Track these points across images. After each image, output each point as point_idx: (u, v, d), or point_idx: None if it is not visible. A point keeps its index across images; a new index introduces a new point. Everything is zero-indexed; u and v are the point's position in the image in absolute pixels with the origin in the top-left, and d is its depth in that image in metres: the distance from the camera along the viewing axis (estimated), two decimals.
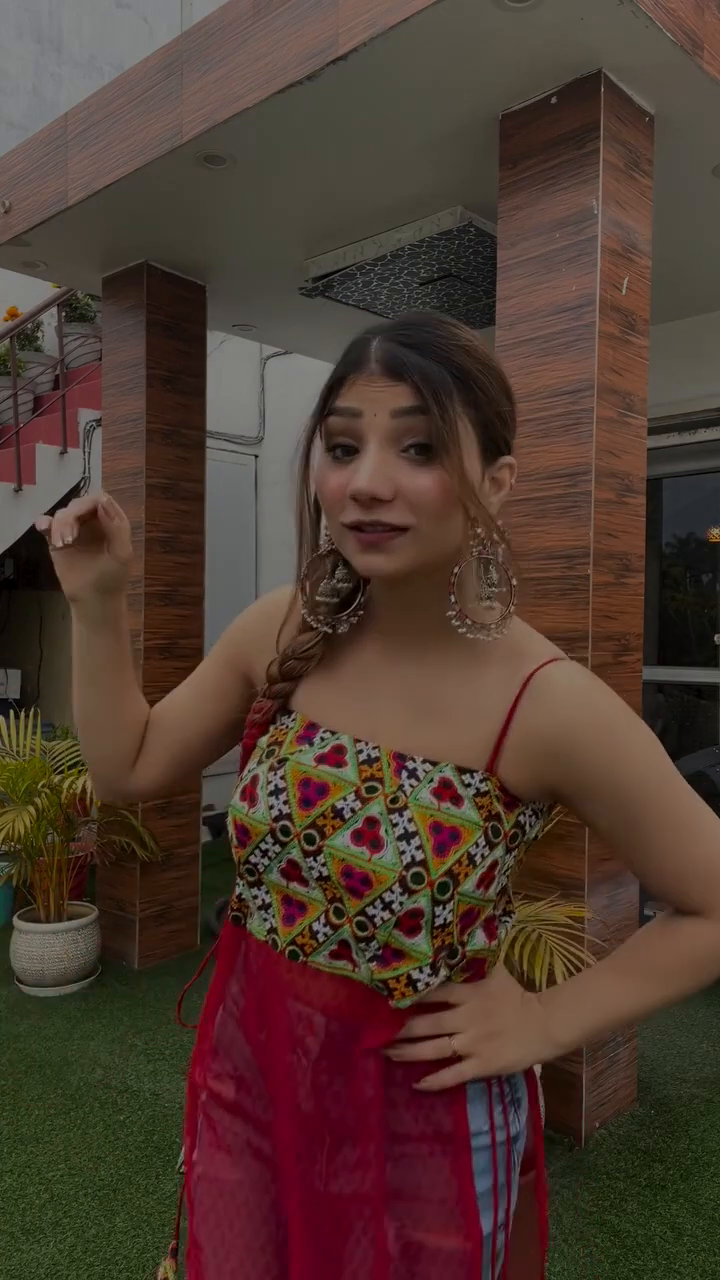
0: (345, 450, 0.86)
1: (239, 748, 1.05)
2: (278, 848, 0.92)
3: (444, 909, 0.86)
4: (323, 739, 0.94)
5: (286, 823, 0.91)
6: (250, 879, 0.96)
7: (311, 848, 0.89)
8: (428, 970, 0.88)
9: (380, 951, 0.87)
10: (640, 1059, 3.08)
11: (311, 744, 0.94)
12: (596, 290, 2.54)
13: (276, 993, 0.94)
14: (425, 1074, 0.91)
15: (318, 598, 0.95)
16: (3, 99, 7.24)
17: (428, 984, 0.89)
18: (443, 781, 0.88)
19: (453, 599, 0.87)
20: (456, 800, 0.88)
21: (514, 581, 0.89)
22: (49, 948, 3.60)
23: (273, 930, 0.95)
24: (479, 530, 0.85)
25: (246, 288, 4.21)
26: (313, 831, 0.89)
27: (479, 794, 0.88)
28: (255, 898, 0.97)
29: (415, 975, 0.88)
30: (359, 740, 0.93)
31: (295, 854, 0.90)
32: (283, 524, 6.28)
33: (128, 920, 3.93)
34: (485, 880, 0.88)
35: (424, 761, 0.90)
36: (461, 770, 0.89)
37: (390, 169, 3.10)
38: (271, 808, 0.92)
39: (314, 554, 0.95)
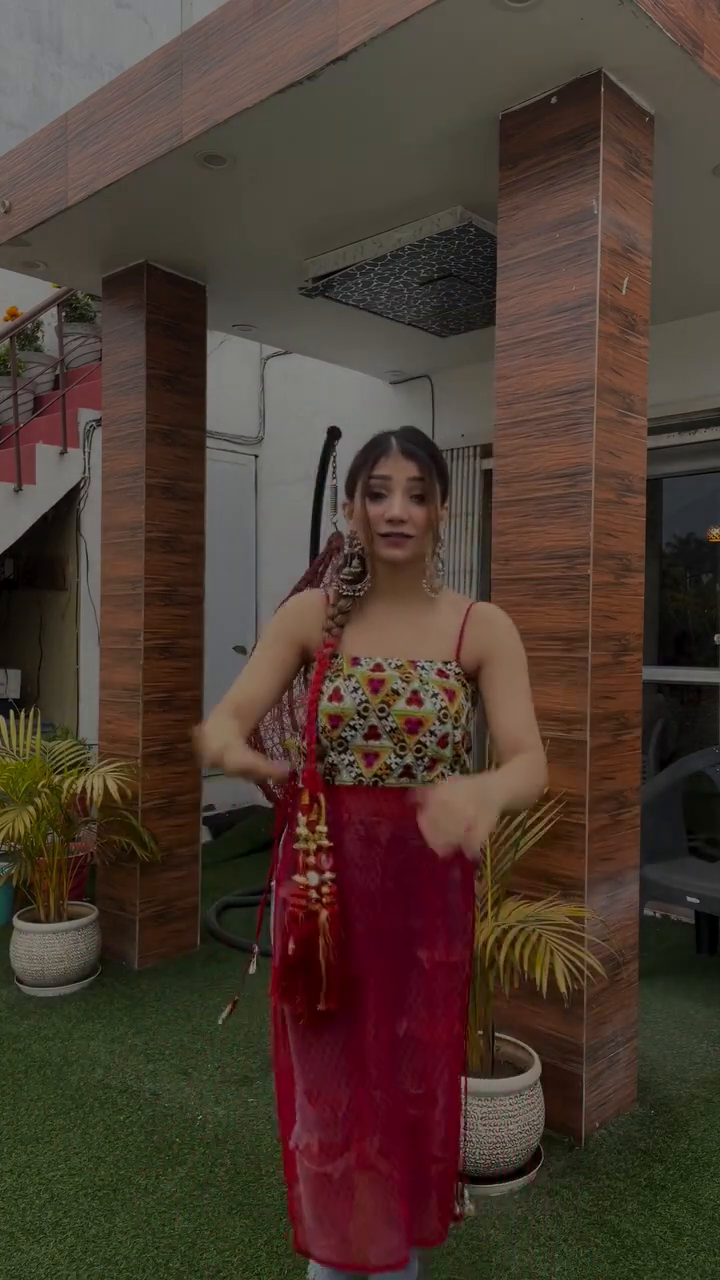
0: (377, 496, 1.67)
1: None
2: (360, 720, 1.65)
3: (455, 732, 1.66)
4: (366, 660, 1.69)
5: (366, 704, 1.65)
6: (340, 748, 1.67)
7: (383, 714, 1.64)
8: (448, 771, 1.67)
9: (428, 762, 1.65)
10: (640, 1059, 3.08)
11: (360, 665, 1.68)
12: (596, 290, 2.54)
13: (360, 814, 1.66)
14: (446, 854, 1.40)
15: (344, 577, 1.75)
16: (3, 99, 7.24)
17: (450, 775, 1.66)
18: (438, 670, 1.68)
19: (423, 577, 1.74)
20: (446, 676, 1.68)
21: (441, 566, 1.76)
22: (49, 948, 3.60)
23: (359, 775, 1.66)
24: (439, 539, 1.73)
25: (246, 288, 4.22)
26: (383, 705, 1.64)
27: (455, 674, 1.69)
28: (343, 759, 1.67)
29: (444, 772, 1.67)
30: (387, 657, 1.69)
31: (373, 719, 1.64)
32: (282, 524, 6.28)
33: (128, 920, 3.93)
34: (467, 719, 1.70)
35: (425, 660, 1.69)
36: (445, 662, 1.70)
37: (390, 169, 3.10)
38: (355, 699, 1.65)
39: (344, 557, 1.78)
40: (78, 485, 5.32)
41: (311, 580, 4.56)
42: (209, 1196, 2.39)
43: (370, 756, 1.65)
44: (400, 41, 2.41)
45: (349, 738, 1.64)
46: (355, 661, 1.67)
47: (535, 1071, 2.50)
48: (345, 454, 5.32)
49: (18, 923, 3.69)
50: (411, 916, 1.66)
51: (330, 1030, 1.66)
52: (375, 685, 1.64)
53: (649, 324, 2.76)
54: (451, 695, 1.65)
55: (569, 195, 2.59)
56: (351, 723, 1.64)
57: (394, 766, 1.64)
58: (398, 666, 1.66)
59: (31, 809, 3.56)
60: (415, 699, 1.64)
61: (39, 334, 6.67)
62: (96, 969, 3.81)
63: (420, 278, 3.96)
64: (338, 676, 1.66)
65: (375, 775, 1.65)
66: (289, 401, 6.28)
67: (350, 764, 1.66)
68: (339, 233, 3.63)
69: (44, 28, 7.52)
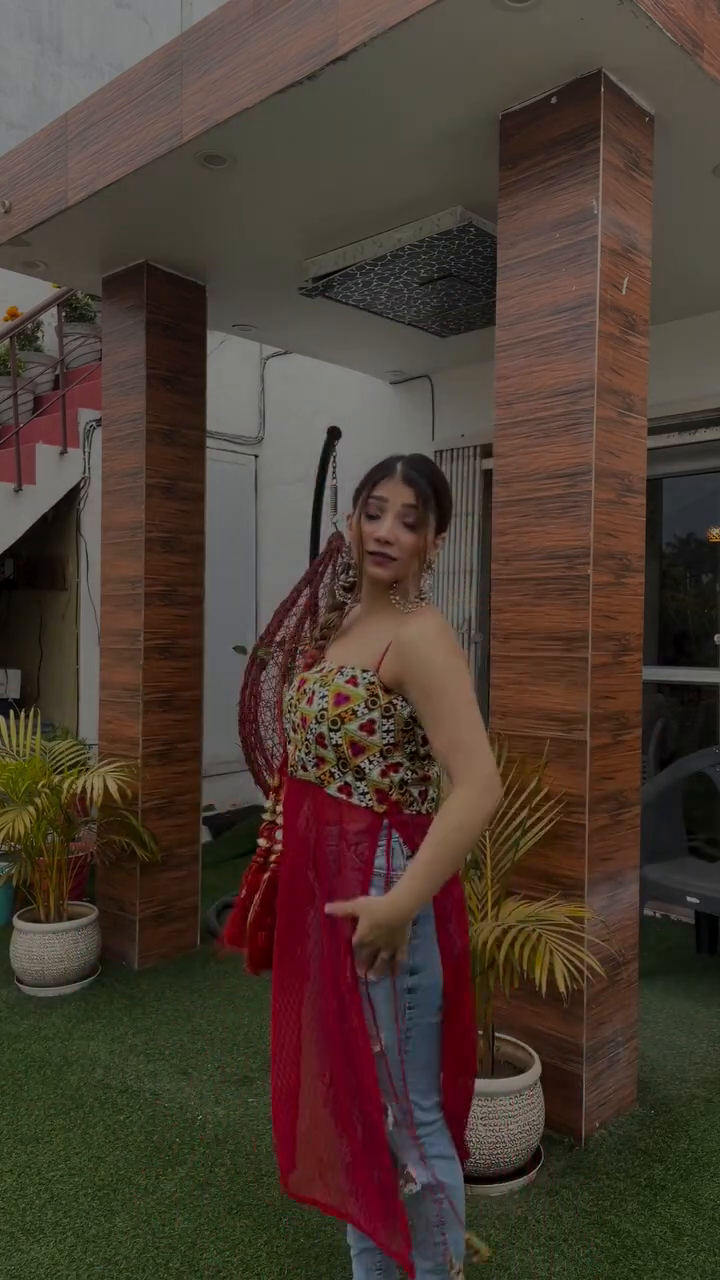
0: (373, 516, 1.75)
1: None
2: (289, 714, 1.82)
3: (335, 735, 1.72)
4: (317, 666, 1.83)
5: (292, 700, 1.82)
6: (287, 739, 1.83)
7: (292, 710, 1.81)
8: (338, 772, 1.73)
9: (315, 759, 1.75)
10: (640, 1059, 3.08)
11: (315, 669, 1.83)
12: (596, 290, 2.54)
13: (287, 798, 1.84)
14: (356, 841, 1.72)
15: (339, 589, 1.90)
16: (3, 99, 7.23)
17: (345, 784, 1.73)
18: (349, 677, 1.74)
19: (394, 594, 1.79)
20: (355, 684, 1.72)
21: (427, 593, 1.81)
22: (49, 948, 3.60)
23: (290, 763, 1.83)
24: (428, 564, 1.79)
25: (246, 288, 4.21)
26: (293, 701, 1.81)
27: (366, 682, 1.72)
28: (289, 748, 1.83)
29: (333, 772, 1.74)
30: (329, 663, 1.81)
31: (290, 714, 1.81)
32: (282, 524, 6.28)
33: (128, 920, 3.92)
34: (366, 728, 1.71)
35: (348, 666, 1.76)
36: (362, 670, 1.74)
37: (390, 169, 3.10)
38: (288, 695, 1.84)
39: (344, 565, 1.92)
40: (78, 485, 5.32)
41: (311, 580, 4.56)
42: (209, 1196, 2.39)
43: (293, 745, 1.83)
44: (400, 41, 2.41)
45: (287, 729, 1.85)
46: (318, 666, 1.84)
47: (535, 1071, 2.50)
48: (345, 455, 5.33)
49: (18, 923, 3.69)
50: (321, 896, 1.79)
51: (275, 982, 1.94)
52: (300, 685, 1.81)
53: (649, 324, 2.76)
54: (342, 699, 1.70)
55: (569, 195, 2.59)
56: (285, 716, 1.86)
57: (298, 760, 1.80)
58: (327, 671, 1.78)
59: (31, 809, 3.56)
60: (310, 699, 1.76)
61: (39, 334, 6.66)
62: (96, 969, 3.81)
63: (420, 278, 3.96)
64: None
65: (292, 765, 1.83)
66: (289, 401, 6.28)
67: (292, 753, 1.85)
68: (339, 233, 3.63)
69: (44, 28, 7.52)
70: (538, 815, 2.61)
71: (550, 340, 2.64)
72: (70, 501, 5.36)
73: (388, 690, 1.71)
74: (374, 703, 1.69)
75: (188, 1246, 2.20)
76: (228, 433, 6.19)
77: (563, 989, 2.24)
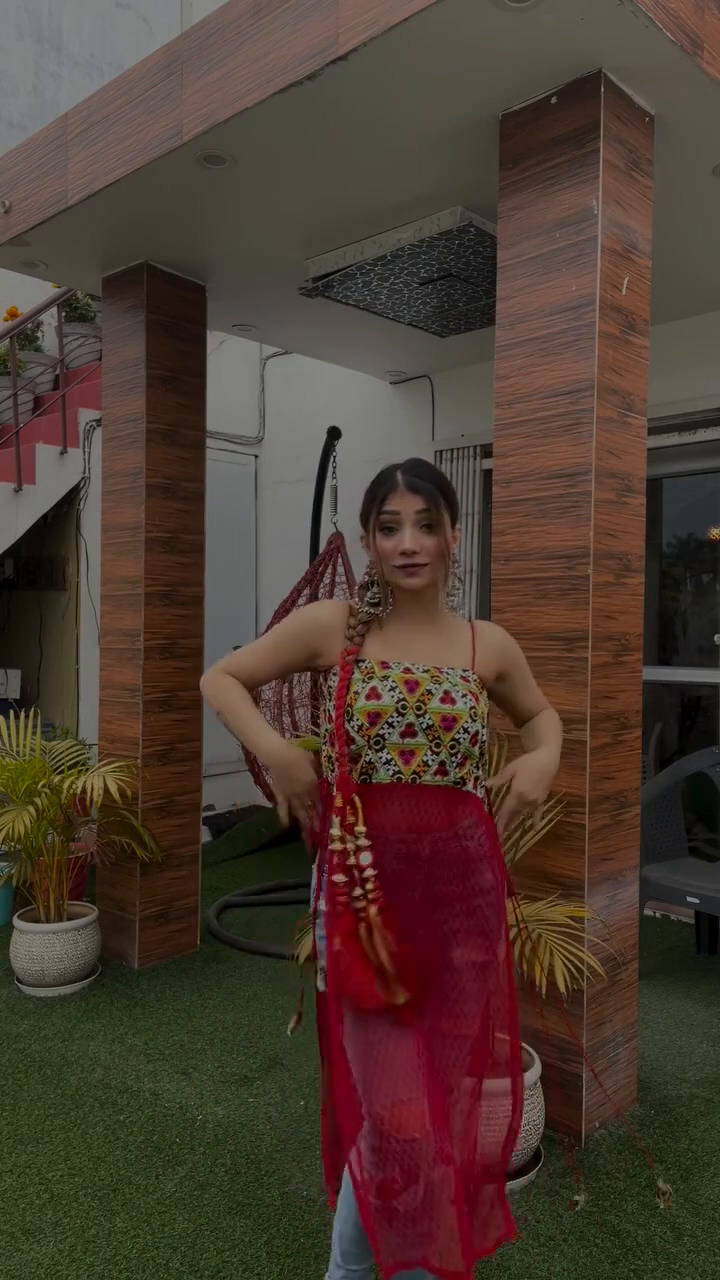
0: (389, 529, 1.76)
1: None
2: (399, 718, 1.71)
3: (483, 730, 1.77)
4: (395, 665, 1.77)
5: (404, 701, 1.72)
6: (377, 746, 1.72)
7: (420, 711, 1.72)
8: (475, 767, 1.77)
9: (460, 759, 1.74)
10: (640, 1059, 3.08)
11: (391, 669, 1.76)
12: (596, 290, 2.54)
13: (396, 811, 1.71)
14: (487, 855, 1.75)
15: (366, 603, 1.84)
16: (3, 99, 7.23)
17: (477, 776, 1.78)
18: (461, 675, 1.78)
19: (442, 596, 1.86)
20: (468, 681, 1.78)
21: (458, 585, 1.92)
22: (49, 948, 3.60)
23: (398, 772, 1.72)
24: (453, 563, 1.84)
25: (246, 288, 4.21)
26: (419, 702, 1.73)
27: (474, 680, 1.79)
28: (380, 758, 1.72)
29: (473, 771, 1.77)
30: (414, 664, 1.77)
31: (410, 717, 1.72)
32: (282, 524, 6.28)
33: (128, 920, 3.92)
34: (484, 720, 1.80)
35: (449, 667, 1.79)
36: (464, 670, 1.80)
37: (390, 169, 3.10)
38: (393, 697, 1.72)
39: (361, 585, 1.89)
40: (78, 485, 5.32)
41: (311, 580, 4.56)
42: (209, 1196, 2.39)
43: (407, 754, 1.72)
44: (400, 41, 2.41)
45: (386, 735, 1.71)
46: (385, 665, 1.76)
47: (535, 1072, 2.50)
48: (345, 455, 5.32)
49: (18, 923, 3.69)
50: (447, 916, 1.71)
51: (386, 1035, 1.64)
52: (411, 685, 1.74)
53: (649, 324, 2.76)
54: (476, 698, 1.77)
55: (569, 195, 2.59)
56: (390, 720, 1.71)
57: (430, 763, 1.72)
58: (425, 670, 1.76)
59: (31, 809, 3.55)
60: (448, 698, 1.73)
61: (39, 334, 6.66)
62: (96, 969, 3.81)
63: (420, 278, 3.96)
64: (371, 678, 1.74)
65: (414, 772, 1.72)
66: (289, 402, 6.28)
67: (388, 762, 1.72)
68: (339, 233, 3.63)
69: (44, 28, 7.52)
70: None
71: (550, 340, 2.64)
72: (70, 501, 5.36)
73: (482, 683, 1.84)
74: (484, 698, 1.82)
75: (188, 1246, 2.20)
76: (228, 433, 6.19)
77: (563, 989, 2.24)
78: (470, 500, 5.24)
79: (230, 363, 6.21)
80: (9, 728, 3.95)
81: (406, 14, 2.31)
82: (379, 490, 1.76)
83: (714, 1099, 2.87)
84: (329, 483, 4.83)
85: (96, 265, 3.95)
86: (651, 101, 2.66)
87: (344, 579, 4.65)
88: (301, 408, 6.17)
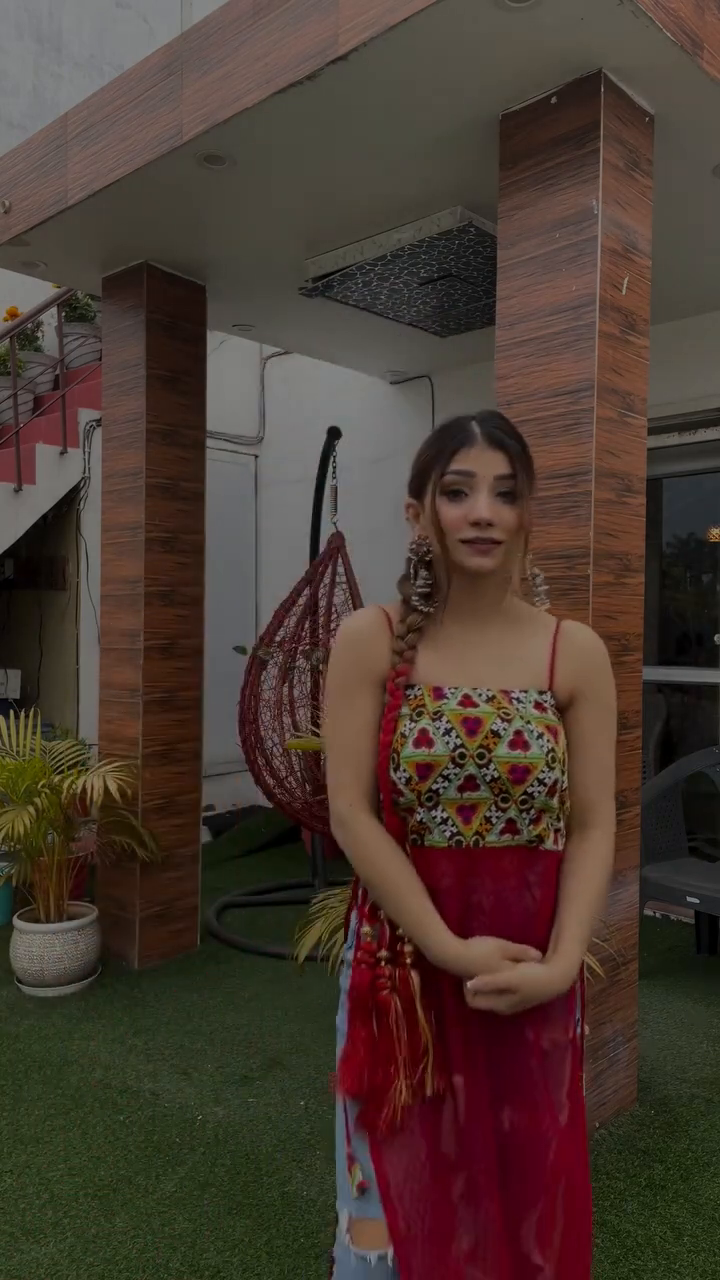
0: (458, 493, 1.37)
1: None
2: (456, 770, 1.34)
3: (564, 778, 1.40)
4: (451, 693, 1.38)
5: (463, 750, 1.34)
6: (430, 804, 1.36)
7: (482, 761, 1.34)
8: (555, 819, 1.40)
9: (534, 815, 1.37)
10: (640, 1059, 3.08)
11: (446, 698, 1.38)
12: (596, 290, 2.54)
13: (457, 880, 1.36)
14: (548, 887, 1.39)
15: (415, 593, 1.43)
16: (3, 99, 7.23)
17: (558, 829, 1.41)
18: (535, 703, 1.39)
19: (514, 586, 1.44)
20: (544, 710, 1.39)
21: (539, 576, 1.49)
22: (49, 948, 3.60)
23: (457, 834, 1.36)
24: (530, 544, 1.44)
25: (246, 288, 4.21)
26: (481, 749, 1.34)
27: (551, 706, 1.41)
28: (433, 817, 1.36)
29: (553, 824, 1.40)
30: (475, 688, 1.39)
31: (471, 769, 1.34)
32: (282, 524, 6.28)
33: (128, 920, 3.92)
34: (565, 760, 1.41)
35: (519, 690, 1.40)
36: (540, 692, 1.41)
37: (390, 169, 3.10)
38: (447, 743, 1.34)
39: (410, 568, 1.46)
40: (78, 485, 5.32)
41: (311, 580, 4.56)
42: (209, 1196, 2.39)
43: (466, 811, 1.35)
44: (400, 41, 2.41)
45: (441, 790, 1.34)
46: (439, 694, 1.38)
47: None
48: (345, 455, 5.31)
49: (18, 923, 3.69)
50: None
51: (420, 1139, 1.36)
52: (471, 726, 1.35)
53: (649, 324, 2.76)
54: (555, 733, 1.38)
55: (569, 195, 2.59)
56: (445, 772, 1.34)
57: (495, 821, 1.36)
58: (490, 699, 1.38)
59: (31, 809, 3.55)
60: (519, 741, 1.35)
61: (39, 334, 6.66)
62: (96, 969, 3.81)
63: (420, 278, 3.96)
64: (422, 715, 1.36)
65: (476, 834, 1.35)
66: (289, 402, 6.28)
67: (444, 821, 1.36)
68: (339, 233, 3.63)
69: (44, 28, 7.52)
70: None
71: (550, 340, 2.64)
72: (70, 501, 5.36)
73: (561, 709, 1.43)
74: (563, 729, 1.42)
75: (188, 1246, 2.20)
76: (228, 433, 6.19)
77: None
78: None
79: (230, 363, 6.21)
80: (9, 728, 3.95)
81: (406, 14, 2.31)
82: (447, 442, 1.38)
83: (714, 1099, 2.87)
84: (329, 483, 4.82)
85: (96, 265, 3.95)
86: (651, 101, 2.66)
87: (344, 579, 4.64)
88: (301, 408, 6.17)
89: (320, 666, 4.52)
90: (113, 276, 4.02)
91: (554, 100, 2.61)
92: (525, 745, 1.35)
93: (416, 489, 1.43)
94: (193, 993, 3.66)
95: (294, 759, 4.50)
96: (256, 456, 6.46)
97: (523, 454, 1.39)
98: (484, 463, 1.36)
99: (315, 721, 4.43)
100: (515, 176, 2.70)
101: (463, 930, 1.35)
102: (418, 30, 2.36)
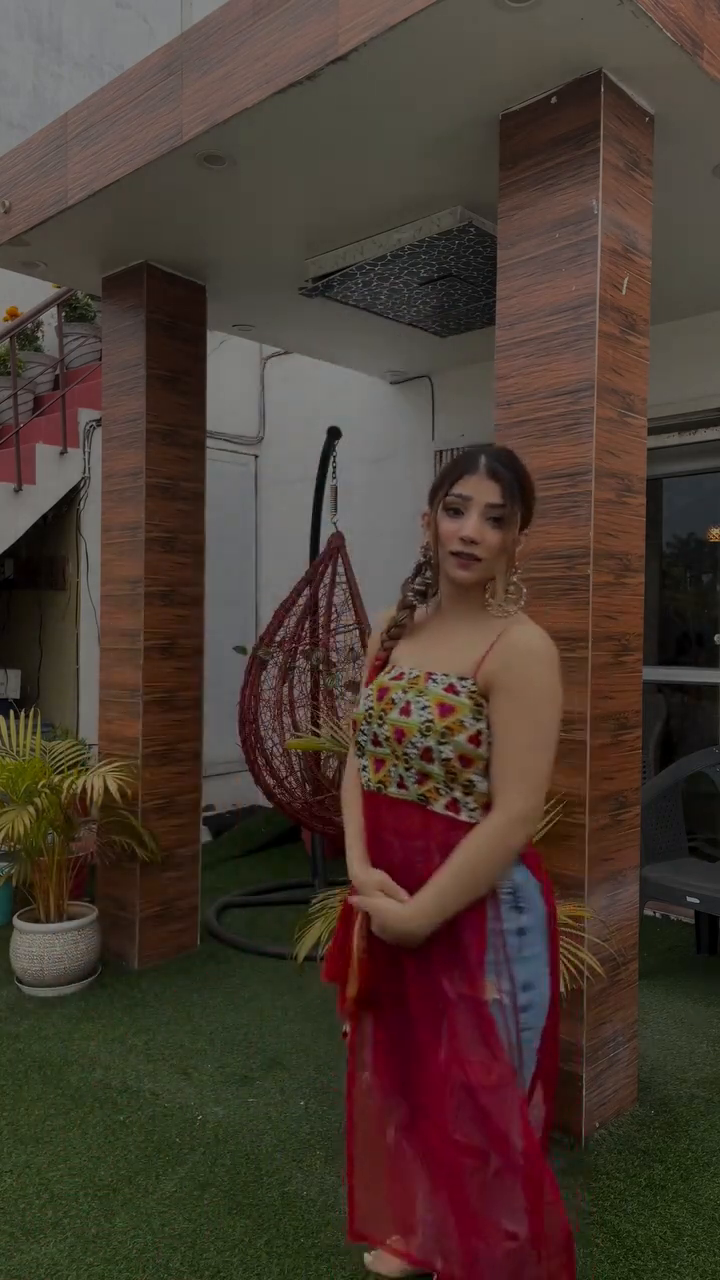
0: (456, 512, 1.67)
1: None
2: (367, 726, 1.73)
3: (445, 748, 1.62)
4: (396, 669, 1.75)
5: (370, 710, 1.72)
6: (359, 753, 1.77)
7: (380, 722, 1.70)
8: (445, 788, 1.64)
9: (417, 776, 1.66)
10: (640, 1059, 3.08)
11: (389, 673, 1.75)
12: (596, 290, 2.54)
13: (372, 818, 1.74)
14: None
15: (411, 591, 1.79)
16: (3, 99, 7.23)
17: (453, 799, 1.64)
18: (448, 685, 1.65)
19: (488, 595, 1.71)
20: (455, 692, 1.64)
21: (524, 590, 1.74)
22: (49, 948, 3.60)
23: (370, 779, 1.74)
24: (514, 563, 1.71)
25: (246, 288, 4.21)
26: (381, 712, 1.70)
27: (468, 691, 1.64)
28: (362, 764, 1.76)
29: (438, 788, 1.64)
30: (411, 669, 1.72)
31: (375, 727, 1.71)
32: (282, 524, 6.28)
33: (128, 920, 3.92)
34: (474, 740, 1.63)
35: (441, 673, 1.68)
36: (461, 678, 1.66)
37: (390, 169, 3.10)
38: (366, 705, 1.74)
39: (417, 569, 1.81)
40: (78, 485, 5.32)
41: (311, 580, 4.56)
42: (209, 1196, 2.39)
43: (378, 763, 1.72)
44: (400, 41, 2.41)
45: (363, 743, 1.74)
46: (391, 670, 1.76)
47: None
48: (345, 455, 5.31)
49: (18, 923, 3.69)
50: (427, 941, 1.68)
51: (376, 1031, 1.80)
52: (381, 693, 1.71)
53: (649, 324, 2.76)
54: (447, 709, 1.63)
55: (569, 195, 2.59)
56: (362, 728, 1.74)
57: (393, 774, 1.70)
58: (413, 678, 1.70)
59: (31, 809, 3.55)
60: (406, 709, 1.66)
61: (39, 334, 6.66)
62: (96, 969, 3.81)
63: (420, 278, 3.96)
64: (373, 686, 1.76)
65: (379, 782, 1.72)
66: (289, 402, 6.28)
67: (365, 768, 1.76)
68: (339, 233, 3.63)
69: (44, 28, 7.52)
70: None
71: (550, 340, 2.64)
72: (70, 501, 5.36)
73: (487, 698, 1.64)
74: (479, 712, 1.63)
75: (188, 1246, 2.20)
76: (228, 433, 6.19)
77: (562, 989, 2.24)
78: None
79: (230, 363, 6.21)
80: (9, 728, 3.95)
81: (406, 14, 2.31)
82: (455, 469, 1.67)
83: (714, 1099, 2.87)
84: (329, 483, 4.82)
85: (96, 265, 3.95)
86: (651, 101, 2.66)
87: (344, 579, 4.64)
88: (301, 408, 6.17)
89: (320, 666, 4.52)
90: (113, 276, 4.02)
91: (554, 100, 2.61)
92: (408, 713, 1.65)
93: (430, 502, 1.72)
94: (193, 993, 3.66)
95: (294, 759, 4.50)
96: (256, 456, 6.46)
97: (516, 486, 1.65)
98: (480, 489, 1.64)
99: (315, 721, 4.43)
100: (515, 176, 2.70)
101: (374, 859, 1.72)
102: (417, 30, 2.36)
